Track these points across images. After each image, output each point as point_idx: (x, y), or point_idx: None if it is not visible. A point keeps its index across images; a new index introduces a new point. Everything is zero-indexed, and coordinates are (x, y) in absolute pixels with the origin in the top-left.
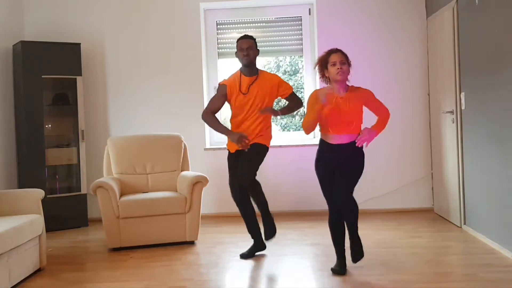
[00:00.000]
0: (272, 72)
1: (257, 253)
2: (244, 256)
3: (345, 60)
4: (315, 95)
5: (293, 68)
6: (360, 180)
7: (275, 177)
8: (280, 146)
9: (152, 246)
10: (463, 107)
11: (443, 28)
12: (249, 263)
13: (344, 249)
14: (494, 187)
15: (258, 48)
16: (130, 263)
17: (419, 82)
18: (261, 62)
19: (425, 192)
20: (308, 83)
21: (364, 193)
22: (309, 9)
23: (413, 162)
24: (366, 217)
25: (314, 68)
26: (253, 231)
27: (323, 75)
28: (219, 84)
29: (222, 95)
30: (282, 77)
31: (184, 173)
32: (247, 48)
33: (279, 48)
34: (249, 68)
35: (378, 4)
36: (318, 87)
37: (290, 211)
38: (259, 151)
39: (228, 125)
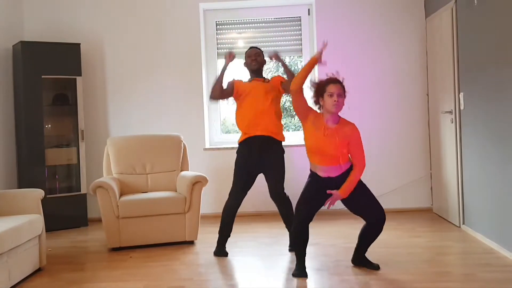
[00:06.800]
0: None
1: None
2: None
3: (342, 93)
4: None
5: (292, 68)
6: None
7: None
8: None
9: (152, 246)
10: (462, 107)
11: (442, 28)
12: (248, 263)
13: (305, 254)
14: (493, 187)
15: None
16: (129, 263)
17: (418, 82)
18: None
19: (424, 192)
20: (307, 83)
21: None
22: (308, 9)
23: (412, 162)
24: None
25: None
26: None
27: (316, 101)
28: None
29: (230, 89)
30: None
31: (183, 173)
32: (255, 54)
33: (279, 48)
34: (256, 73)
35: (377, 4)
36: None
37: None
38: (281, 155)
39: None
